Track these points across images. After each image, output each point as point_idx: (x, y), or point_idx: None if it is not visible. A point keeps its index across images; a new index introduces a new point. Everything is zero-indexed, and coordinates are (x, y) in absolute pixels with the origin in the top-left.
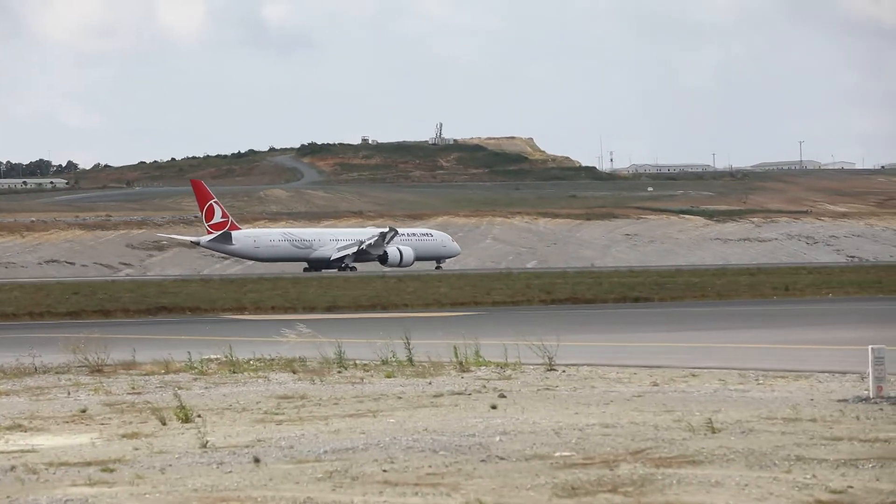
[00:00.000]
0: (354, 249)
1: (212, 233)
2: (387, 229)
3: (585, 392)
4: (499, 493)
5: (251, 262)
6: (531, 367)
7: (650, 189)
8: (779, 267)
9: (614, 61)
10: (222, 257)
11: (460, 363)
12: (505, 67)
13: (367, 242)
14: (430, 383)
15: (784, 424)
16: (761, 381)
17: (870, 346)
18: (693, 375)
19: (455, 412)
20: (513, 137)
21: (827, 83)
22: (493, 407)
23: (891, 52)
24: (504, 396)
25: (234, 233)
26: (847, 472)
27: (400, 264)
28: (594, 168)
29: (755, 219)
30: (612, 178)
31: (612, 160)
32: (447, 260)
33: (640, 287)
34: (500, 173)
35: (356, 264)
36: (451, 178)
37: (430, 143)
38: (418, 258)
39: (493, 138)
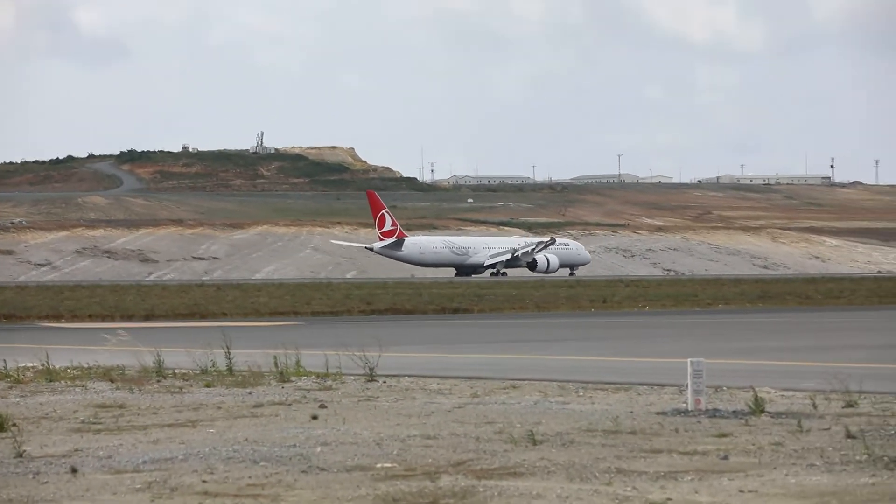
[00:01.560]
0: (508, 257)
1: (383, 239)
2: (548, 238)
3: (406, 403)
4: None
5: (69, 270)
6: (352, 377)
7: (470, 201)
8: (596, 279)
9: (433, 72)
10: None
11: (280, 373)
12: (325, 77)
13: (523, 250)
14: (250, 393)
15: (604, 437)
16: (581, 394)
17: (688, 359)
18: (513, 387)
19: (275, 422)
20: (334, 147)
21: (637, 97)
22: (314, 417)
23: (699, 67)
24: (325, 407)
25: (405, 240)
26: (666, 485)
27: (546, 270)
28: (415, 179)
29: (574, 231)
30: (432, 189)
31: (432, 171)
32: (580, 267)
33: (459, 298)
34: (321, 183)
35: (506, 269)
36: (272, 188)
37: (250, 151)
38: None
39: (315, 148)
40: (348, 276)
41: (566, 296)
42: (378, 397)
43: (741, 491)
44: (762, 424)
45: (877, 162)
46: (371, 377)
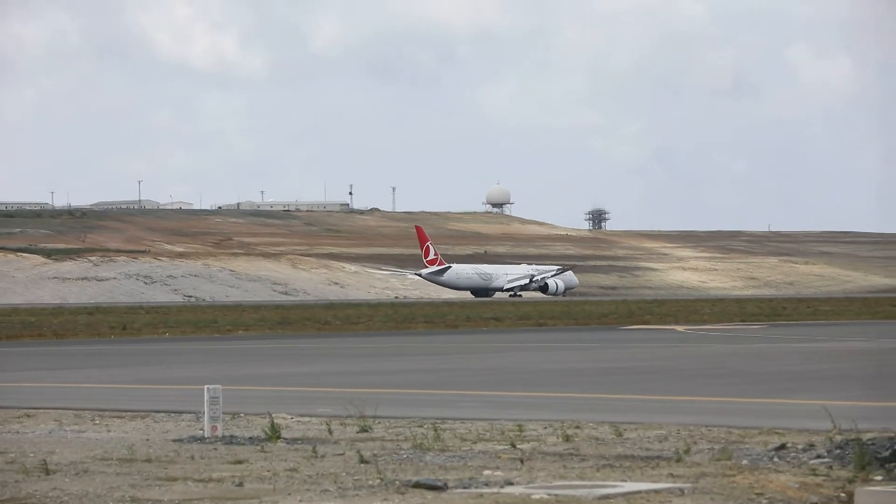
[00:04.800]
0: (526, 281)
1: (428, 267)
2: (561, 266)
3: None
4: None
5: None
6: None
7: None
8: (117, 306)
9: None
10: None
11: None
12: None
13: (542, 276)
14: None
15: (119, 465)
16: (97, 422)
17: (205, 386)
18: (28, 416)
19: None
20: None
21: (150, 123)
22: None
23: (206, 93)
24: None
25: (449, 268)
26: None
27: (556, 293)
28: None
29: (94, 258)
30: None
31: None
32: (569, 290)
33: None
34: None
35: (522, 292)
36: None
37: None
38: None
39: None
40: None
41: (86, 322)
42: None
43: None
44: (278, 451)
45: (394, 189)
46: None
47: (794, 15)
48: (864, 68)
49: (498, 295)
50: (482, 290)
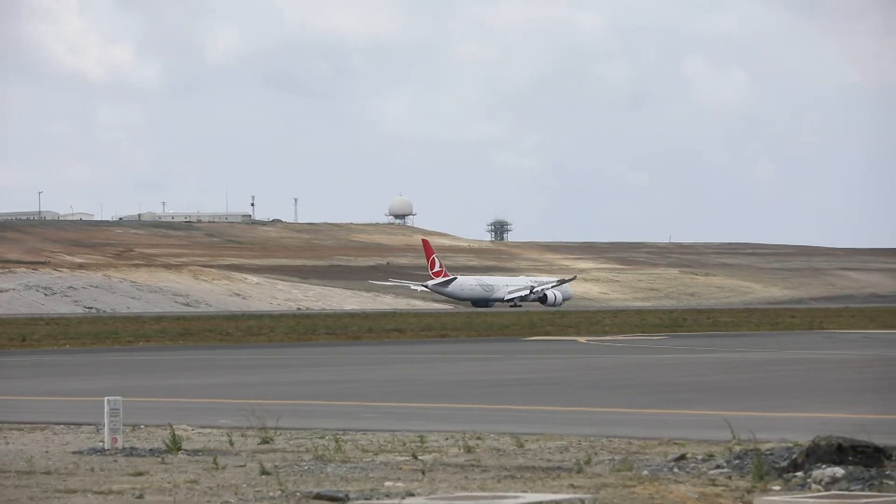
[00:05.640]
0: (526, 293)
1: (434, 279)
2: (567, 278)
3: None
4: None
5: None
6: None
7: None
8: (16, 317)
9: None
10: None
11: None
12: None
13: (542, 288)
14: None
15: (18, 478)
16: None
17: (106, 398)
18: None
19: None
20: None
21: (46, 134)
22: None
23: (101, 104)
24: None
25: (454, 280)
26: None
27: (554, 304)
28: None
29: None
30: None
31: None
32: (566, 301)
33: None
34: None
35: (521, 303)
36: None
37: None
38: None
39: None
40: None
41: None
42: None
43: None
44: (179, 462)
45: (296, 200)
46: None
47: (689, 29)
48: (758, 81)
49: (497, 305)
50: (482, 301)
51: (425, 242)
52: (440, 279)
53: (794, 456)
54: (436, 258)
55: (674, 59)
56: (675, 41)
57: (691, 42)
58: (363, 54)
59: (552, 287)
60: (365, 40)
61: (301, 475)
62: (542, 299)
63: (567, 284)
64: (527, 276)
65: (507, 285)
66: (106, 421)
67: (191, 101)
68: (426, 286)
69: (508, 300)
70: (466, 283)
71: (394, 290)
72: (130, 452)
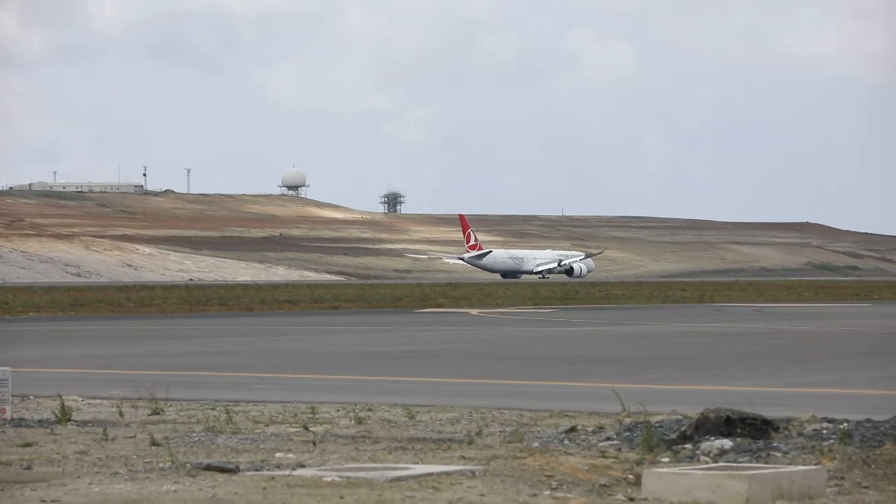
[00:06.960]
0: (554, 265)
1: (470, 252)
2: (595, 252)
3: None
4: None
5: None
6: None
7: None
8: None
9: None
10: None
11: None
12: None
13: (570, 261)
14: None
15: None
16: None
17: None
18: None
19: None
20: None
21: None
22: None
23: None
24: None
25: (489, 253)
26: None
27: (580, 276)
28: None
29: None
30: None
31: None
32: (588, 273)
33: None
34: None
35: (549, 275)
36: None
37: None
38: None
39: None
40: None
41: None
42: None
43: (43, 501)
44: (68, 433)
45: (188, 171)
46: None
47: (577, 2)
48: (646, 55)
49: (525, 277)
50: (511, 273)
51: (462, 218)
52: (476, 252)
53: (684, 428)
54: (472, 232)
55: (562, 32)
56: (564, 14)
57: (579, 15)
58: (251, 25)
59: (580, 260)
60: (253, 11)
61: (191, 446)
62: (569, 272)
63: (591, 259)
64: (552, 249)
65: (536, 258)
66: None
67: (81, 70)
68: (462, 258)
69: (538, 272)
70: (500, 256)
71: (286, 262)
72: (19, 423)
